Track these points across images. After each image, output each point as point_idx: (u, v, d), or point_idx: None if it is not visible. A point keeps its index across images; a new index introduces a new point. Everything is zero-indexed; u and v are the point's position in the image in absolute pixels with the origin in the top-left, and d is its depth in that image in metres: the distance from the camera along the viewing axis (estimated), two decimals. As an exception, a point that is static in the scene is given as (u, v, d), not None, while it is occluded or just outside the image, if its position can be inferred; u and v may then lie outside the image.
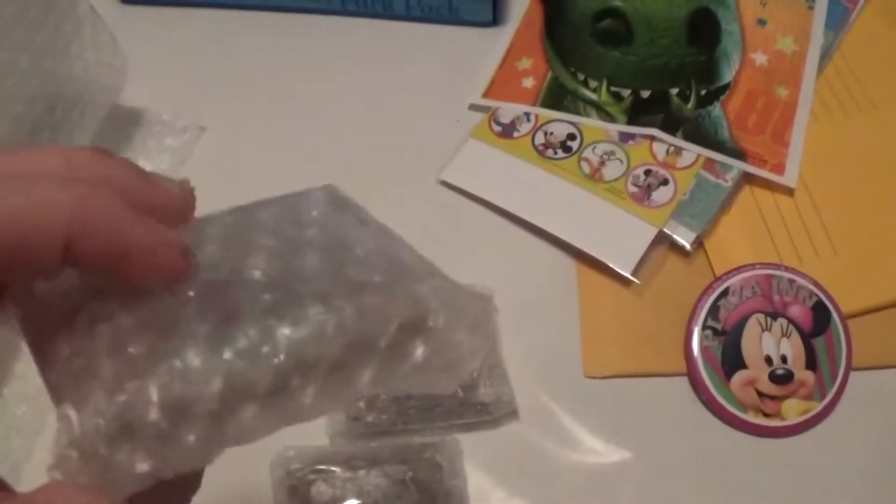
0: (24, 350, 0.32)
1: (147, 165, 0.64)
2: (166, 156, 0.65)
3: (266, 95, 0.68)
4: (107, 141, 0.64)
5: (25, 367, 0.55)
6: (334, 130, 0.66)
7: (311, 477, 0.51)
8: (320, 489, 0.51)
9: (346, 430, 0.53)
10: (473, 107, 0.66)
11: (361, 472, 0.51)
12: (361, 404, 0.53)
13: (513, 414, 0.54)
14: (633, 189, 0.59)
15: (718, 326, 0.56)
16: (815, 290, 0.57)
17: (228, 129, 0.66)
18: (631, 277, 0.57)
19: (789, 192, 0.60)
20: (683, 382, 0.56)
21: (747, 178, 0.60)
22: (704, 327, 0.56)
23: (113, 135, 0.65)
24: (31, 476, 0.52)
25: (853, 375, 0.56)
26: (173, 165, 0.64)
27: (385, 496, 0.51)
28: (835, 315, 0.56)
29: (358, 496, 0.51)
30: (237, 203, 0.29)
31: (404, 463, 0.51)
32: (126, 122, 0.66)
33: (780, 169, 0.60)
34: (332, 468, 0.51)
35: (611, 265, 0.57)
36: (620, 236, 0.57)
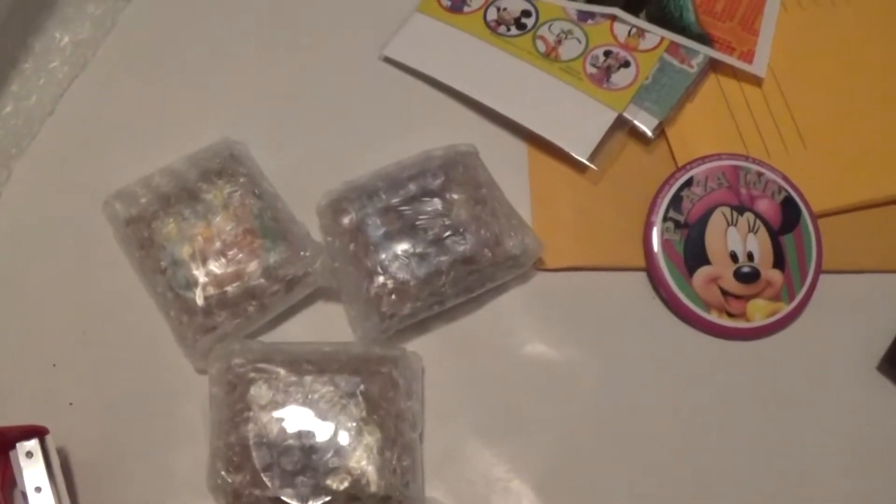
0: None
1: (66, 34, 0.57)
2: (87, 24, 0.58)
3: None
4: (26, 7, 0.57)
5: None
6: (271, 4, 0.60)
7: (253, 375, 0.45)
8: (261, 390, 0.44)
9: (380, 331, 0.47)
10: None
11: (308, 378, 0.45)
12: (393, 297, 0.46)
13: (539, 262, 0.50)
14: (592, 70, 0.54)
15: (681, 219, 0.51)
16: (785, 185, 0.52)
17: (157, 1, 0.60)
18: (587, 163, 0.51)
19: (757, 82, 0.55)
20: (642, 278, 0.51)
21: (713, 66, 0.56)
22: (666, 219, 0.51)
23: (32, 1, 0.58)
24: None
25: (823, 278, 0.51)
26: (95, 35, 0.57)
27: (329, 407, 0.44)
28: (805, 212, 0.52)
29: (301, 403, 0.44)
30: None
31: (357, 374, 0.45)
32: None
33: (749, 57, 0.55)
34: (277, 369, 0.45)
35: (566, 149, 0.52)
36: (577, 119, 0.52)
